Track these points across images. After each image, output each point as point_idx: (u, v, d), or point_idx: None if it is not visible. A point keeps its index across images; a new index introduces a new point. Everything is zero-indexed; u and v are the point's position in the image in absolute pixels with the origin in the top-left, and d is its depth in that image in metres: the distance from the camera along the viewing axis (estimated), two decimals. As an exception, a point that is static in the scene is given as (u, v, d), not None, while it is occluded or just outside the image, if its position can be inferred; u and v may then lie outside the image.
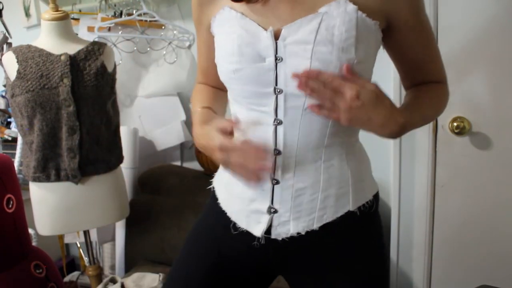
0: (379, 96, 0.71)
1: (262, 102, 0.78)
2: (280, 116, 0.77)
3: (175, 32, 2.11)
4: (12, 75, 1.48)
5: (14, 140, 2.19)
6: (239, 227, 0.87)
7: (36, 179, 1.53)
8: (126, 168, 1.95)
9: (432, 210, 1.77)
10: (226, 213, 0.89)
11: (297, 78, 0.70)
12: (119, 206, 1.68)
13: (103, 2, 2.11)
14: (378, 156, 1.89)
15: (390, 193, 1.87)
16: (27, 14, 2.56)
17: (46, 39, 1.54)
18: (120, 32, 2.07)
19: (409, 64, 0.86)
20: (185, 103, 2.23)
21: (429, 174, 1.74)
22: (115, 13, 2.13)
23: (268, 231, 0.84)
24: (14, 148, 2.06)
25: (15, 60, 1.48)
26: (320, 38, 0.71)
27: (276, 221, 0.82)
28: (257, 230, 0.84)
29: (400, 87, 1.75)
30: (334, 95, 0.69)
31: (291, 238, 0.82)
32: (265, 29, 0.75)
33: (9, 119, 2.40)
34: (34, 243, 1.80)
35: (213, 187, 0.96)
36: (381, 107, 0.71)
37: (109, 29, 2.10)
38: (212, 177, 0.99)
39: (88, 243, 1.80)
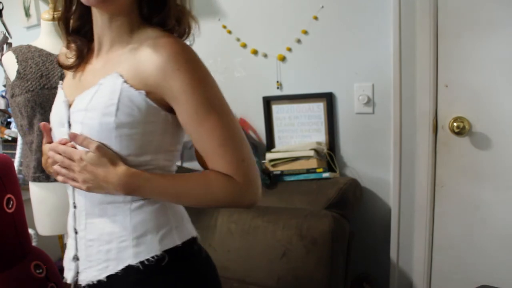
0: (99, 154, 0.80)
1: None
2: None
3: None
4: (12, 75, 1.48)
5: (14, 140, 2.20)
6: (65, 277, 0.96)
7: (36, 179, 1.53)
8: (126, 168, 1.94)
9: (432, 210, 1.77)
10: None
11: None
12: (119, 206, 1.67)
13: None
14: (378, 156, 1.90)
15: (390, 193, 1.87)
16: (27, 14, 2.56)
17: (46, 39, 1.54)
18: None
19: (196, 144, 0.84)
20: (185, 103, 2.23)
21: (429, 174, 1.74)
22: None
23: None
24: (14, 148, 2.06)
25: (15, 60, 1.48)
26: (91, 105, 0.81)
27: (80, 268, 0.90)
28: (69, 277, 0.93)
29: (401, 87, 1.75)
30: (70, 164, 0.83)
31: (91, 285, 0.88)
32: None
33: (9, 119, 2.40)
34: (34, 243, 1.80)
35: None
36: (101, 163, 0.80)
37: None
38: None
39: (88, 243, 1.80)
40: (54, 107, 0.93)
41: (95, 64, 0.89)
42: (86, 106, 0.82)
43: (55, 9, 0.93)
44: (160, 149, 0.86)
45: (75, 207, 0.91)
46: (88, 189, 0.83)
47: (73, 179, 0.85)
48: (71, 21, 0.92)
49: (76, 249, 0.91)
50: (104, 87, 0.82)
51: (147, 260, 0.84)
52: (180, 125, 0.85)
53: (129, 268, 0.84)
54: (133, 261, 0.84)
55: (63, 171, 0.85)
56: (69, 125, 0.86)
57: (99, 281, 0.87)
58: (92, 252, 0.87)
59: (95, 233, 0.87)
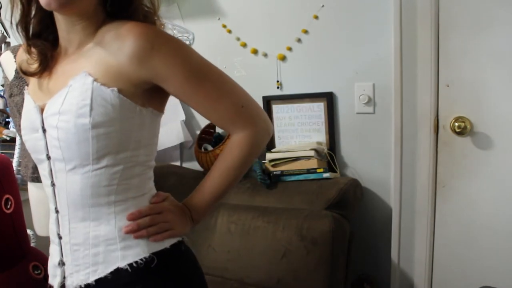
0: (171, 198, 0.94)
1: (42, 167, 0.89)
2: (54, 178, 0.87)
3: (174, 31, 2.11)
4: (10, 75, 1.47)
5: (13, 140, 2.18)
6: (50, 284, 0.95)
7: (35, 180, 1.52)
8: (125, 168, 1.93)
9: (433, 210, 1.77)
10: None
11: (129, 232, 0.84)
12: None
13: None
14: (379, 156, 1.89)
15: (391, 193, 1.86)
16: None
17: (45, 39, 1.53)
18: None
19: (198, 111, 0.91)
20: (185, 103, 2.22)
21: (430, 174, 1.73)
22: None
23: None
24: (13, 148, 2.05)
25: (13, 60, 1.48)
26: (64, 108, 0.80)
27: (67, 273, 0.90)
28: (56, 283, 0.92)
29: (402, 87, 1.74)
30: (159, 217, 0.88)
31: None
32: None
33: (7, 119, 2.39)
34: (32, 244, 1.79)
35: None
36: (174, 202, 0.94)
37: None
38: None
39: (87, 244, 1.79)
40: (24, 113, 0.91)
41: (63, 65, 0.88)
42: (59, 109, 0.81)
43: (12, 13, 0.89)
44: (140, 144, 0.86)
45: (57, 212, 0.89)
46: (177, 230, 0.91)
47: (168, 229, 0.88)
48: (31, 26, 0.90)
49: (61, 255, 0.90)
50: (74, 88, 0.80)
51: (136, 262, 0.84)
52: (155, 118, 0.89)
53: (118, 271, 0.84)
54: (121, 264, 0.84)
55: (165, 225, 0.88)
56: (44, 130, 0.85)
57: (87, 285, 0.86)
58: (79, 256, 0.86)
59: (80, 237, 0.86)
